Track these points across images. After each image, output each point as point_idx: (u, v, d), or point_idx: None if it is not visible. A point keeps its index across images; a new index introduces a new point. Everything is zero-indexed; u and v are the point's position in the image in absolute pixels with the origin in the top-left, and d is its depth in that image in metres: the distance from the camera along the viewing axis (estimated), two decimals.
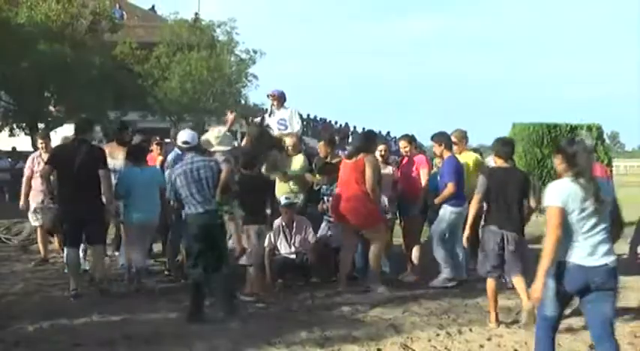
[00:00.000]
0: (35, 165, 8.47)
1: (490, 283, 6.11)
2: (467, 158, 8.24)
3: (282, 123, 8.80)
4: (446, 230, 7.70)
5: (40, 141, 8.84)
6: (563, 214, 4.06)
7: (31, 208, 8.56)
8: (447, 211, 7.64)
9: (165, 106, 23.94)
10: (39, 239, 8.81)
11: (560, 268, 4.09)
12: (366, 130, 10.97)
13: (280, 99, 8.96)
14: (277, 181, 8.09)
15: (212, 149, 6.84)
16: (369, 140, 7.76)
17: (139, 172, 7.28)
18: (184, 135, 6.75)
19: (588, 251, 4.08)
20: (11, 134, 21.87)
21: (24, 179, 8.63)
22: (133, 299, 6.97)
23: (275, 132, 8.71)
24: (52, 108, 20.41)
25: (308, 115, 33.19)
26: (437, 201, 7.64)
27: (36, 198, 8.46)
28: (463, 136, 8.44)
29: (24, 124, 20.54)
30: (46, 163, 7.36)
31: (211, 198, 6.22)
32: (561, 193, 4.10)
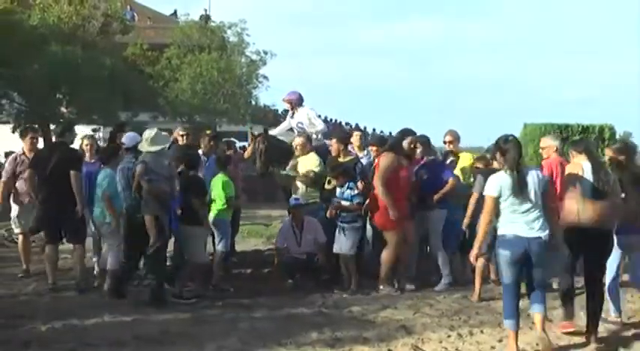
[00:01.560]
0: (19, 164, 8.11)
1: (479, 262, 6.92)
2: (464, 159, 8.23)
3: (300, 126, 8.82)
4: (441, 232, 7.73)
5: (30, 136, 8.33)
6: (496, 201, 5.16)
7: (14, 212, 8.21)
8: (443, 213, 7.66)
9: (175, 108, 23.98)
10: (20, 248, 8.32)
11: (505, 240, 5.18)
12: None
13: (294, 102, 8.96)
14: (296, 182, 8.09)
15: (143, 150, 7.00)
16: (396, 139, 7.74)
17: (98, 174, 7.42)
18: (123, 137, 7.43)
19: (526, 226, 5.14)
20: None
21: (3, 180, 8.33)
22: (144, 299, 7.01)
23: (295, 134, 8.77)
24: (63, 109, 20.48)
25: (319, 117, 33.10)
26: (437, 197, 7.60)
27: (20, 200, 8.12)
28: (457, 137, 8.42)
29: (36, 126, 20.64)
30: (29, 167, 7.68)
31: (130, 194, 6.96)
32: (496, 184, 5.16)
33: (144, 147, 6.96)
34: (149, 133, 7.04)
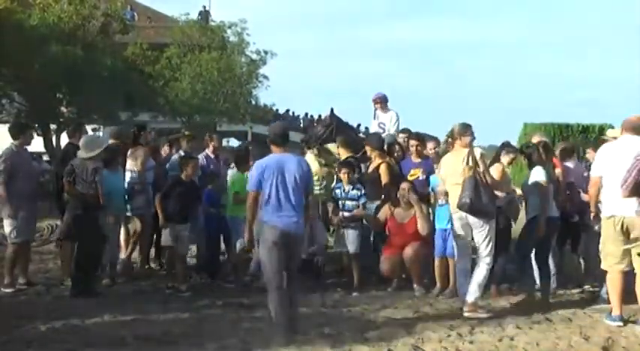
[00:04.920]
0: None
1: None
2: None
3: (382, 126, 9.17)
4: None
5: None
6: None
7: None
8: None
9: (176, 107, 23.98)
10: None
11: None
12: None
13: (383, 102, 9.34)
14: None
15: (82, 156, 7.21)
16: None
17: (107, 175, 7.42)
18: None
19: None
20: None
21: None
22: (145, 299, 7.02)
23: None
24: (63, 109, 20.50)
25: (319, 116, 33.07)
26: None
27: None
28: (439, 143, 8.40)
29: (36, 125, 20.69)
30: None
31: None
32: None
33: (80, 154, 7.20)
34: (84, 140, 7.38)
